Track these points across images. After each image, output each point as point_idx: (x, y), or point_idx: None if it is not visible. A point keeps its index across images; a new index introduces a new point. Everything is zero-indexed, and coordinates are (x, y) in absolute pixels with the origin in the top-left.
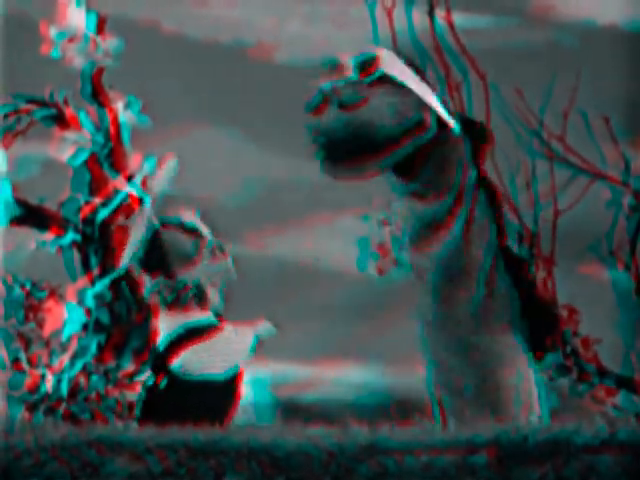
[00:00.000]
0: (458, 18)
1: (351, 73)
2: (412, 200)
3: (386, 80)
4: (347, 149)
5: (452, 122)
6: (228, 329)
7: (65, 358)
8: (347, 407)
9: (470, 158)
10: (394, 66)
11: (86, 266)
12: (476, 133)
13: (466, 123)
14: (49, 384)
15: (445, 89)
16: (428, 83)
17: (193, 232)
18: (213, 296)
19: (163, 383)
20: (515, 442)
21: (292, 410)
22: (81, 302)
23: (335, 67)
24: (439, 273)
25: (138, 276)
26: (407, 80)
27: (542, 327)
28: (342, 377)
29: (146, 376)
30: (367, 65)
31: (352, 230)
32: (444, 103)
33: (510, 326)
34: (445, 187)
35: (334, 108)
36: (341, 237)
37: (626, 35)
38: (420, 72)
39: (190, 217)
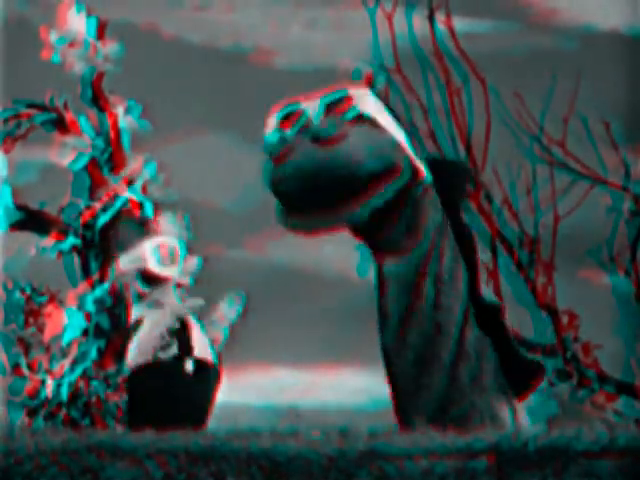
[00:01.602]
0: (458, 23)
1: (315, 117)
2: (378, 258)
3: (362, 119)
4: (320, 193)
5: (423, 169)
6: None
7: (65, 363)
8: (347, 412)
9: (442, 206)
10: (369, 105)
11: (86, 271)
12: (456, 176)
13: (442, 165)
14: (49, 389)
15: (445, 94)
16: (402, 125)
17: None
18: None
19: (191, 367)
20: (515, 448)
21: (292, 415)
22: (81, 307)
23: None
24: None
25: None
26: (383, 121)
27: (523, 377)
28: (342, 382)
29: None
30: (338, 104)
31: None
32: (415, 149)
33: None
34: (414, 244)
35: (305, 144)
36: (341, 242)
37: (626, 40)
38: (395, 114)
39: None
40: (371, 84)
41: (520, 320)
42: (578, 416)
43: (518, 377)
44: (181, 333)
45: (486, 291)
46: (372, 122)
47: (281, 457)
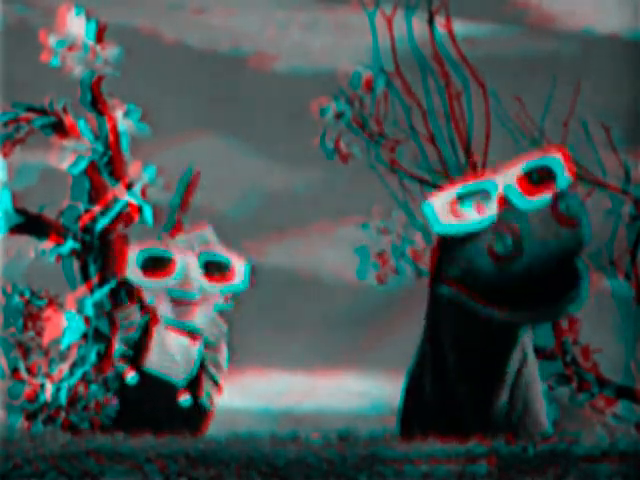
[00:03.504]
0: (458, 26)
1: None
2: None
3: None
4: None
5: None
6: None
7: (64, 367)
8: (347, 416)
9: None
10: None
11: (85, 274)
12: None
13: None
14: (48, 393)
15: (445, 97)
16: None
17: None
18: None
19: (133, 379)
20: (515, 452)
21: (291, 420)
22: (80, 311)
23: None
24: None
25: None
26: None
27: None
28: (342, 386)
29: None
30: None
31: (352, 239)
32: None
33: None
34: None
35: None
36: (341, 246)
37: (627, 44)
38: None
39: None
40: (370, 88)
41: None
42: (578, 420)
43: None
44: (137, 345)
45: None
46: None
47: (280, 461)
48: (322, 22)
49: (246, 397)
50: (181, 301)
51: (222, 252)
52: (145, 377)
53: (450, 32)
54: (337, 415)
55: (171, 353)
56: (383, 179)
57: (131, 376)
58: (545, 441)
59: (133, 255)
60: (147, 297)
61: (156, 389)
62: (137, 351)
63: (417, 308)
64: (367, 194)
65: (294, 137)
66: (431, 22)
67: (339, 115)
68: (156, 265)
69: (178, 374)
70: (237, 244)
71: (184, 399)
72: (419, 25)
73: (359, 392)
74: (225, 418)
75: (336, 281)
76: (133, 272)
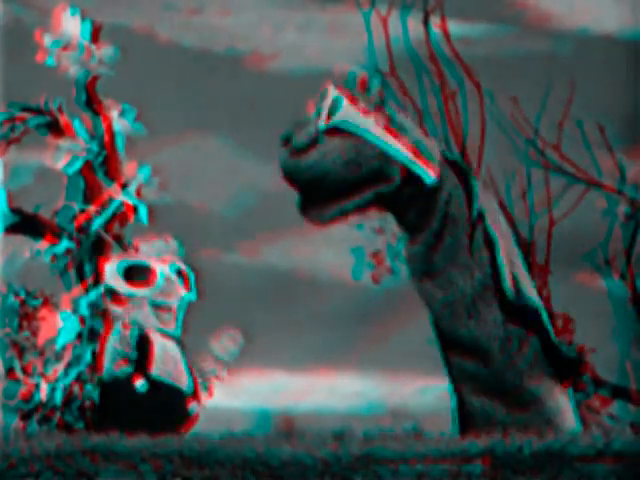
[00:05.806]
0: (453, 26)
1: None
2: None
3: (344, 129)
4: (306, 194)
5: (427, 174)
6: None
7: (59, 367)
8: (343, 416)
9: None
10: (354, 118)
11: (80, 274)
12: (462, 175)
13: (452, 164)
14: (43, 393)
15: (440, 97)
16: (407, 130)
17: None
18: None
19: (143, 387)
20: (510, 451)
21: (288, 419)
22: (75, 311)
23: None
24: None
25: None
26: (369, 132)
27: (564, 369)
28: (337, 386)
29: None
30: (331, 110)
31: (347, 239)
32: (430, 149)
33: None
34: (425, 226)
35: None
36: (336, 246)
37: (622, 44)
38: (396, 116)
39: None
40: (365, 88)
41: None
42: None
43: (559, 368)
44: (140, 351)
45: (527, 292)
46: (353, 133)
47: (275, 461)
48: (317, 22)
49: (241, 397)
50: (163, 309)
51: (181, 261)
52: (152, 383)
53: (445, 32)
54: (333, 415)
55: (175, 357)
56: None
57: (140, 383)
58: (540, 440)
59: (112, 265)
60: (130, 305)
61: (163, 395)
62: (140, 357)
63: (412, 308)
64: None
65: None
66: (426, 22)
67: None
68: (137, 275)
69: (183, 380)
70: (233, 244)
71: (192, 406)
72: (414, 25)
73: (354, 392)
74: (221, 418)
75: (331, 281)
76: (116, 281)
